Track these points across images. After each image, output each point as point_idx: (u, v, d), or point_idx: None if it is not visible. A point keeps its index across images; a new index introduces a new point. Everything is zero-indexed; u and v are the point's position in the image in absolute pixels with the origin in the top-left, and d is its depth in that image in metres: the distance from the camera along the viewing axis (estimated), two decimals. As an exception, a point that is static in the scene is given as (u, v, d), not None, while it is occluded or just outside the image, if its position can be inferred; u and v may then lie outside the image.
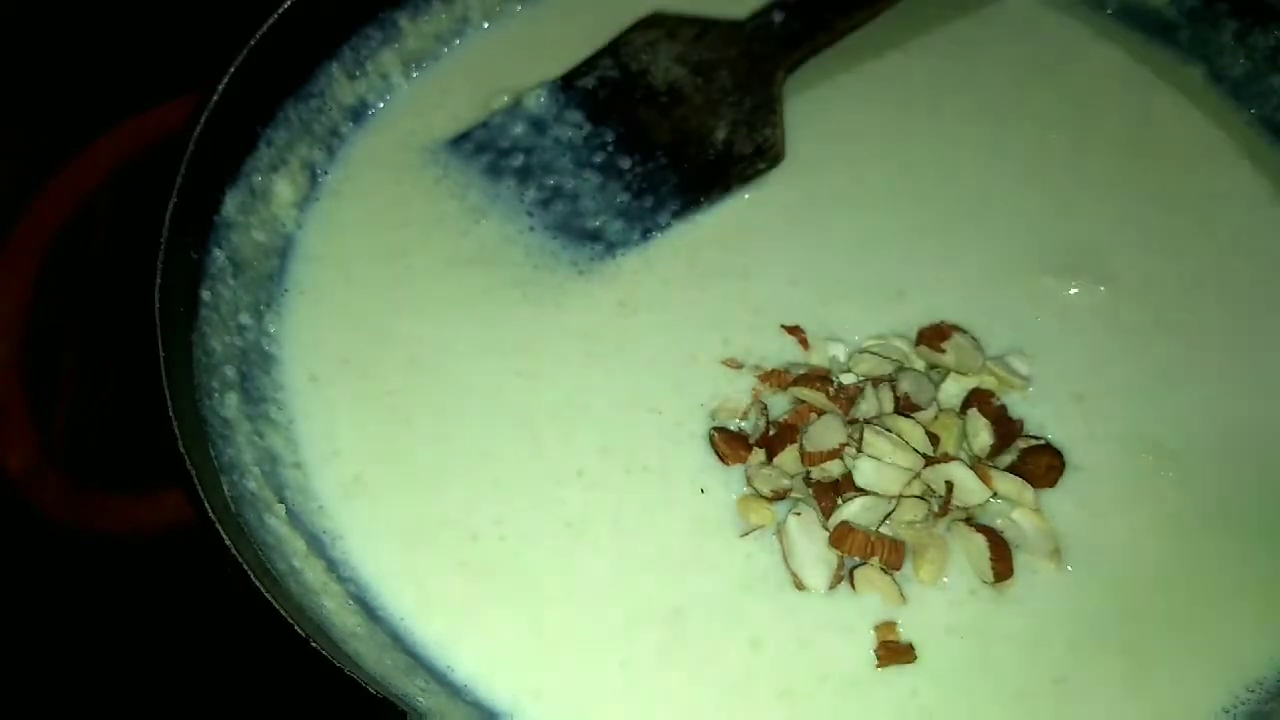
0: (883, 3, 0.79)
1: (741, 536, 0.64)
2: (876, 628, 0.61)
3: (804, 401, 0.67)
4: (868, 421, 0.65)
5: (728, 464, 0.66)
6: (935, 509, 0.64)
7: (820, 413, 0.66)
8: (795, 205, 0.76)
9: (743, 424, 0.67)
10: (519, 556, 0.64)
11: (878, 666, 0.60)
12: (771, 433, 0.66)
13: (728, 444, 0.66)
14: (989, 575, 0.62)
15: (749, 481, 0.65)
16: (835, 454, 0.64)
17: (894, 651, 0.60)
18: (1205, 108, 0.81)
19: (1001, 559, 0.62)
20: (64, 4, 0.96)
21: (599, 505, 0.65)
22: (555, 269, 0.73)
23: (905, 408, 0.66)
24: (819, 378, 0.67)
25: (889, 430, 0.65)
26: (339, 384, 0.69)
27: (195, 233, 0.67)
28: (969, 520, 0.64)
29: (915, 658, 0.60)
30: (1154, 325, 0.71)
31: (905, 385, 0.66)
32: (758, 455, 0.66)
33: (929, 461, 0.64)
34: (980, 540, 0.62)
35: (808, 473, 0.65)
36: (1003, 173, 0.77)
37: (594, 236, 0.74)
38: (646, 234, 0.74)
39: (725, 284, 0.72)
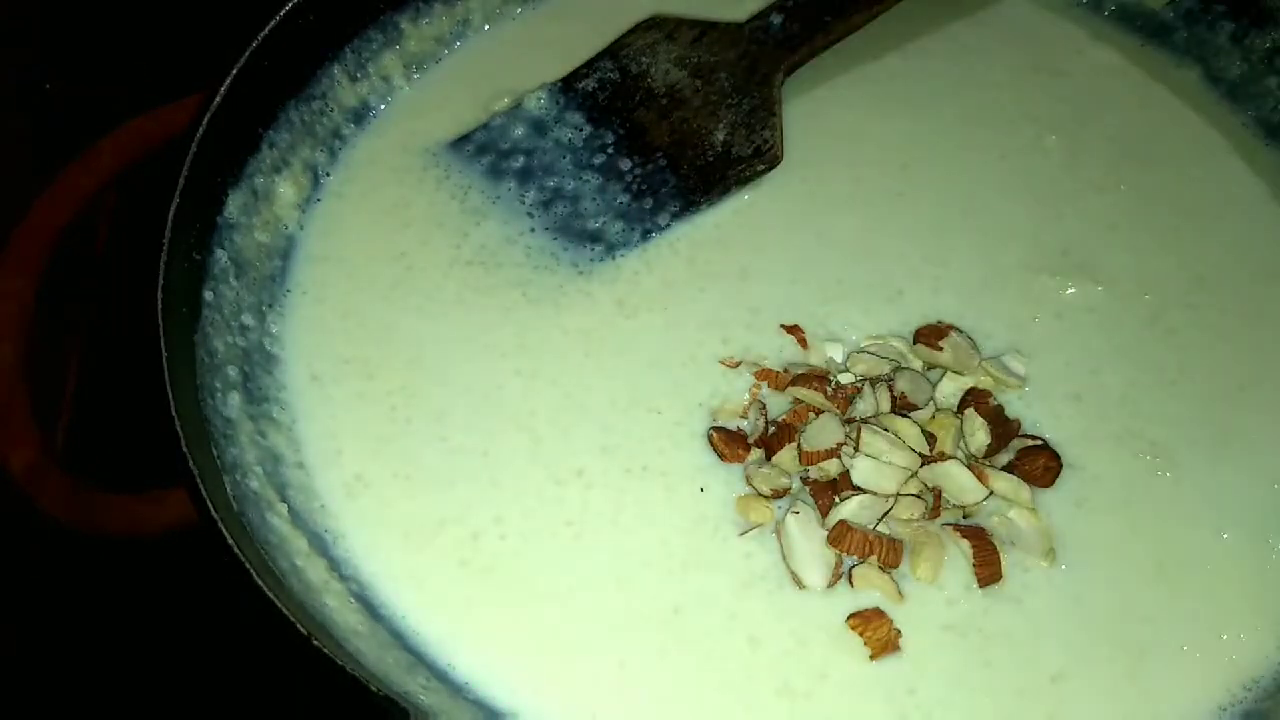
0: (880, 6, 0.79)
1: (741, 535, 0.64)
2: (862, 614, 0.61)
3: (802, 401, 0.67)
4: (865, 421, 0.66)
5: (727, 462, 0.66)
6: (931, 507, 0.64)
7: (818, 412, 0.66)
8: (794, 206, 0.76)
9: (742, 423, 0.68)
10: (519, 555, 0.64)
11: (871, 658, 0.61)
12: (770, 432, 0.66)
13: (726, 443, 0.66)
14: (973, 580, 0.62)
15: (748, 480, 0.65)
16: (833, 453, 0.64)
17: (879, 636, 0.61)
18: (1202, 109, 0.81)
19: (985, 564, 0.62)
20: (67, 5, 0.96)
21: (599, 504, 0.65)
22: (555, 270, 0.73)
23: (902, 407, 0.66)
24: (817, 377, 0.67)
25: (886, 429, 0.65)
26: (341, 384, 0.69)
27: (198, 233, 0.68)
28: (959, 523, 0.64)
29: (899, 640, 0.61)
30: (1151, 325, 0.71)
31: (902, 384, 0.67)
32: (756, 454, 0.66)
33: (926, 460, 0.65)
34: (965, 546, 0.63)
35: (806, 471, 0.65)
36: (1000, 173, 0.77)
37: (594, 237, 0.75)
38: (646, 235, 0.75)
39: (724, 284, 0.73)
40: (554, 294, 0.72)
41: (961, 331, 0.70)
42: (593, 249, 0.74)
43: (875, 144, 0.78)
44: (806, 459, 0.65)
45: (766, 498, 0.64)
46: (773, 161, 0.76)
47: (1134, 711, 0.60)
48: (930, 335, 0.69)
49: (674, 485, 0.66)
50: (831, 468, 0.65)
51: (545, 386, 0.69)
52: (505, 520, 0.65)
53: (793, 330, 0.71)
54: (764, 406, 0.67)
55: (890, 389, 0.67)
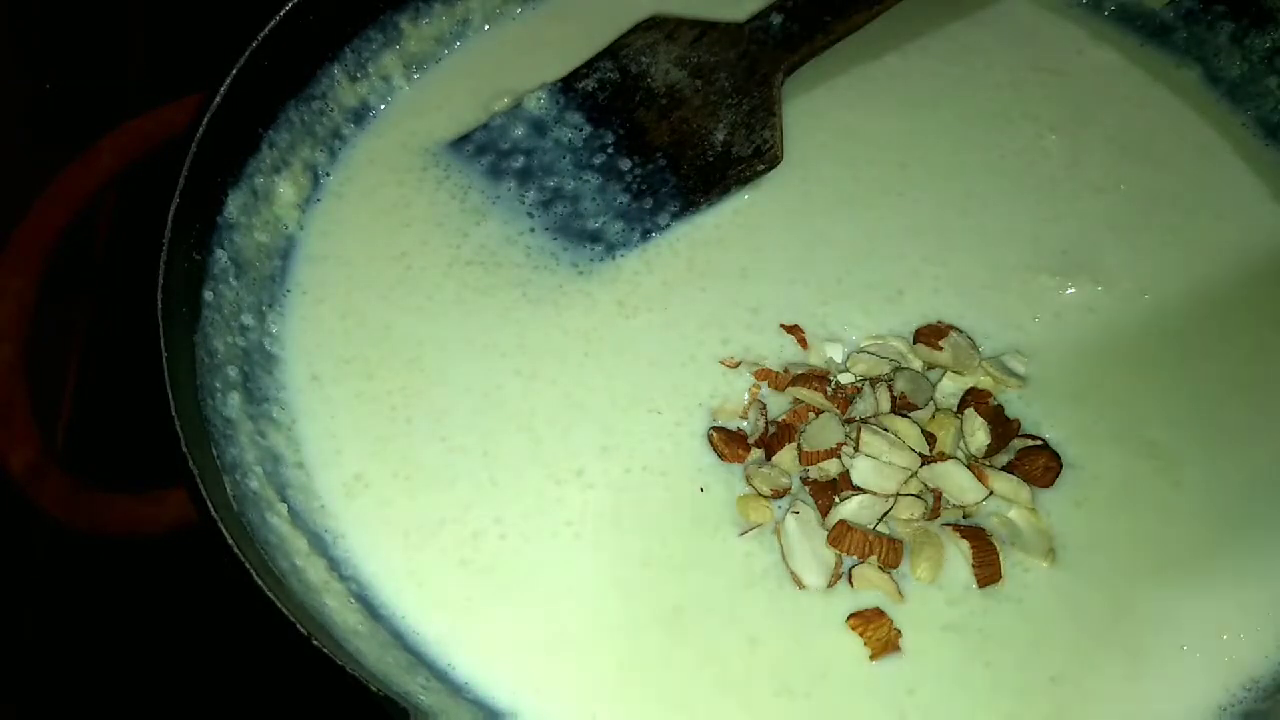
0: (881, 5, 0.79)
1: (741, 535, 0.64)
2: (863, 614, 0.61)
3: (802, 401, 0.67)
4: (865, 421, 0.65)
5: (727, 462, 0.66)
6: (931, 507, 0.64)
7: (818, 412, 0.66)
8: (794, 206, 0.76)
9: (742, 424, 0.68)
10: (519, 555, 0.64)
11: (871, 658, 0.61)
12: (770, 432, 0.66)
13: (726, 443, 0.66)
14: (973, 580, 0.62)
15: (748, 480, 0.65)
16: (833, 453, 0.64)
17: (879, 636, 0.61)
18: (1202, 109, 0.81)
19: (984, 564, 0.62)
20: (67, 5, 0.96)
21: (599, 505, 0.65)
22: (555, 270, 0.73)
23: (902, 407, 0.66)
24: (817, 377, 0.67)
25: (886, 430, 0.65)
26: (340, 384, 0.69)
27: (198, 233, 0.68)
28: (958, 523, 0.64)
29: (899, 640, 0.61)
30: (1151, 325, 0.71)
31: (902, 384, 0.67)
32: (756, 454, 0.66)
33: (926, 460, 0.64)
34: (964, 546, 0.63)
35: (805, 472, 0.65)
36: (1001, 173, 0.77)
37: (594, 237, 0.75)
38: (646, 235, 0.75)
39: (724, 284, 0.72)
40: (554, 294, 0.72)
41: (961, 331, 0.70)
42: (593, 249, 0.74)
43: (875, 143, 0.78)
44: (806, 459, 0.64)
45: (766, 498, 0.64)
46: (772, 161, 0.76)
47: (1134, 711, 0.60)
48: (930, 335, 0.69)
49: (674, 485, 0.66)
50: (831, 468, 0.65)
51: (545, 386, 0.69)
52: (505, 520, 0.65)
53: (793, 330, 0.71)
54: (764, 407, 0.67)
55: (890, 389, 0.67)
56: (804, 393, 0.67)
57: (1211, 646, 0.62)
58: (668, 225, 0.75)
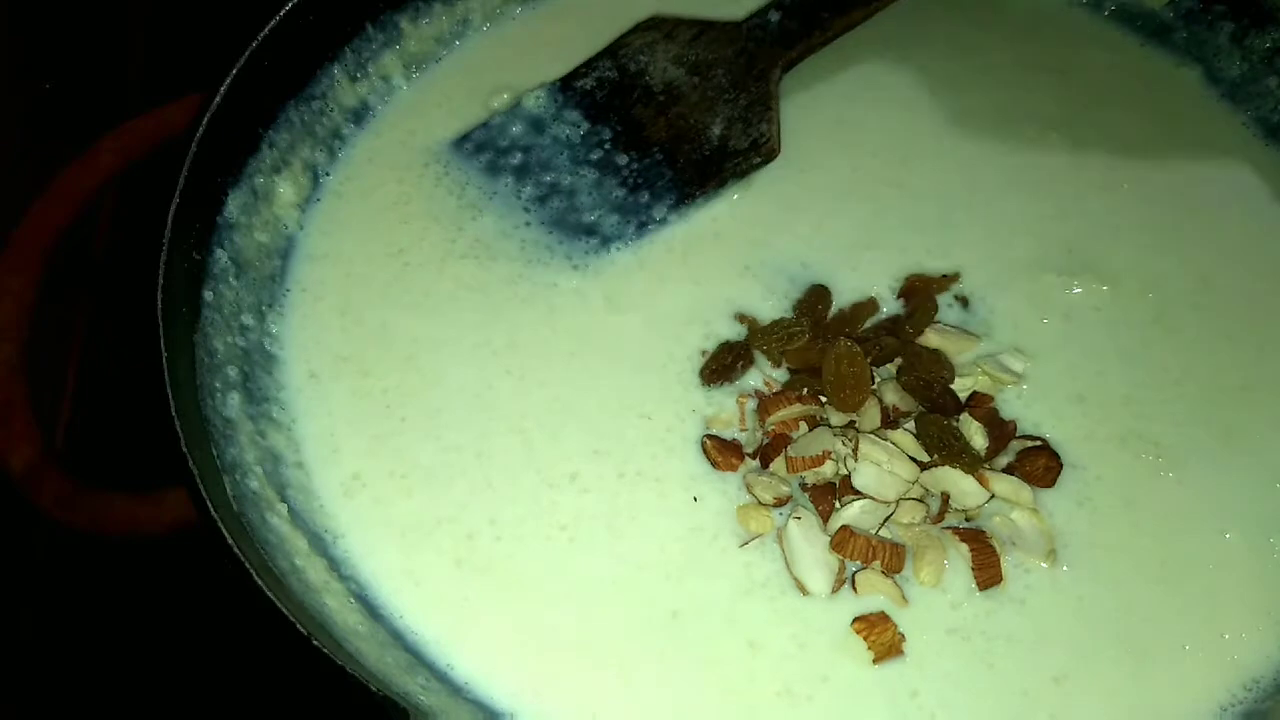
0: (879, 2, 0.79)
1: (741, 546, 0.63)
2: (867, 618, 0.61)
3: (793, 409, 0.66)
4: (860, 431, 0.65)
5: (720, 471, 0.65)
6: (933, 511, 0.64)
7: (812, 423, 0.66)
8: (792, 201, 0.76)
9: (739, 434, 0.67)
10: (514, 558, 0.64)
11: (874, 662, 0.60)
12: (765, 442, 0.66)
13: (720, 451, 0.65)
14: (974, 583, 0.62)
15: (749, 489, 0.65)
16: (820, 461, 0.63)
17: (883, 640, 0.60)
18: (1202, 109, 0.81)
19: (984, 567, 0.62)
20: (67, 5, 0.96)
21: (593, 510, 0.65)
22: (550, 263, 0.73)
23: (895, 417, 0.66)
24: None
25: (883, 440, 0.64)
26: (337, 381, 0.69)
27: (198, 233, 0.68)
28: (959, 526, 0.63)
29: (903, 644, 0.61)
30: (1155, 325, 0.71)
31: (892, 397, 0.66)
32: (750, 463, 0.65)
33: (926, 466, 0.64)
34: (965, 549, 0.62)
35: (803, 478, 0.65)
36: (1003, 169, 0.77)
37: (589, 231, 0.74)
38: (642, 228, 0.74)
39: (720, 280, 0.72)
40: (547, 291, 0.72)
41: (959, 329, 0.70)
42: (588, 242, 0.74)
43: (875, 140, 0.78)
44: (793, 466, 0.64)
45: (769, 506, 0.64)
46: (769, 155, 0.76)
47: (1136, 711, 0.60)
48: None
49: (668, 492, 0.65)
50: (827, 470, 0.64)
51: (534, 387, 0.68)
52: (499, 522, 0.65)
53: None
54: (759, 416, 0.66)
55: (880, 402, 0.66)
56: (794, 409, 0.66)
57: (1213, 646, 0.61)
58: (663, 218, 0.75)
